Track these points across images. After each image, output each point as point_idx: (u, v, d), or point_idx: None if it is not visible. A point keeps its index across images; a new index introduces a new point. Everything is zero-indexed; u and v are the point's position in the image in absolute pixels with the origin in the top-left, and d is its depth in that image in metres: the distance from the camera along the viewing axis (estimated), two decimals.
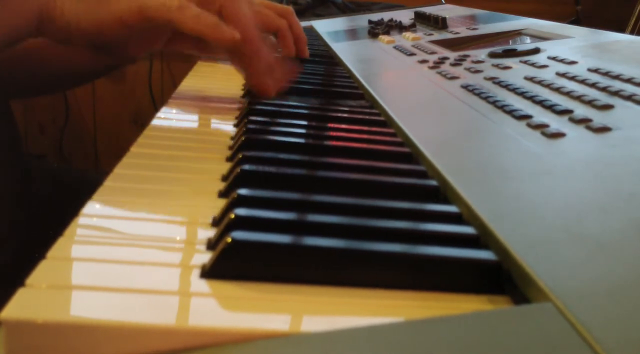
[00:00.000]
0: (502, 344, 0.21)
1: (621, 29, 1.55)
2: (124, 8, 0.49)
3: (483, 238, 0.28)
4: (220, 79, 0.72)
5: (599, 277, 0.23)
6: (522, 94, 0.47)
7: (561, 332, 0.21)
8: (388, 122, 0.49)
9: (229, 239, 0.25)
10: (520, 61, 0.59)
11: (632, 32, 1.58)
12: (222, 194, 0.34)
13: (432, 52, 0.72)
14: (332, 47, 0.88)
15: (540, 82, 0.50)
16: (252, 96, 0.55)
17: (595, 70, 0.50)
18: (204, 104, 0.58)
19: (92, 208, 0.31)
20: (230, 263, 0.25)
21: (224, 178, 0.37)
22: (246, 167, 0.35)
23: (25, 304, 0.22)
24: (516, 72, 0.55)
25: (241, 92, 0.63)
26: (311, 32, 1.11)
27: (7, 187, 0.62)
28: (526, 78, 0.52)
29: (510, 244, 0.26)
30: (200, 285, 0.25)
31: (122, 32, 0.49)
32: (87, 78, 0.82)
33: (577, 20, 1.68)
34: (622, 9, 1.69)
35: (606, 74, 0.49)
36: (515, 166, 0.35)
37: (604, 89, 0.45)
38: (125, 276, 0.25)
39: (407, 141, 0.43)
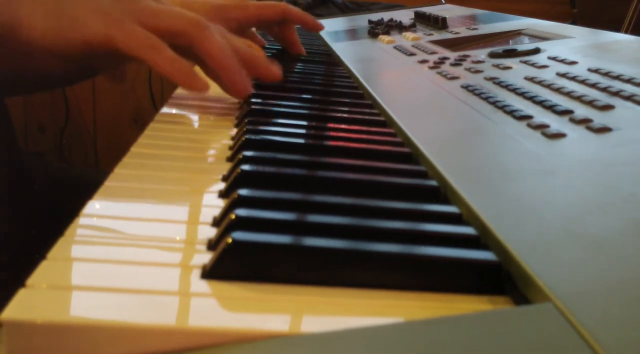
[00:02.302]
0: (502, 344, 0.21)
1: (617, 29, 1.55)
2: (92, 32, 0.46)
3: (483, 238, 0.28)
4: None
5: (600, 277, 0.23)
6: (523, 95, 0.47)
7: (561, 332, 0.21)
8: (388, 122, 0.49)
9: (230, 240, 0.25)
10: (521, 61, 0.59)
11: (626, 32, 1.58)
12: (223, 195, 0.34)
13: (432, 52, 0.72)
14: (332, 47, 0.88)
15: (540, 83, 0.50)
16: (252, 96, 0.55)
17: (596, 71, 0.50)
18: (204, 104, 0.58)
19: (92, 208, 0.31)
20: (231, 264, 0.25)
21: (224, 178, 0.37)
22: (246, 167, 0.35)
23: (26, 304, 0.22)
24: (516, 72, 0.55)
25: None
26: (311, 32, 1.11)
27: (5, 185, 0.62)
28: (526, 78, 0.52)
29: (510, 245, 0.26)
30: (201, 285, 0.25)
31: (89, 53, 0.47)
32: (62, 83, 0.80)
33: (574, 23, 1.68)
34: (617, 9, 1.69)
35: (606, 74, 0.49)
36: (516, 166, 0.35)
37: (604, 90, 0.45)
38: (125, 277, 0.25)
39: (407, 141, 0.43)
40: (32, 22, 0.46)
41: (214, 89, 0.54)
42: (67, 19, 0.46)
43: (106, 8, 0.46)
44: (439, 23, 0.91)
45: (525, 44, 0.69)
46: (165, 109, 0.53)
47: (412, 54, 0.73)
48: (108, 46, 0.46)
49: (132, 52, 0.46)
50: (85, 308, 0.22)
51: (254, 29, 0.81)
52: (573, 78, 0.49)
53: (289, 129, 0.45)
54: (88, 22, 0.46)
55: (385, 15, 1.10)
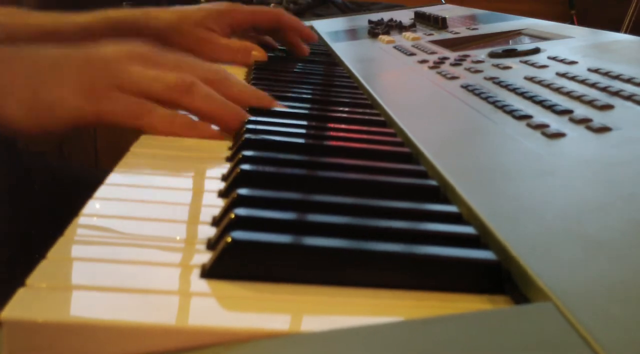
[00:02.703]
0: (502, 344, 0.21)
1: (616, 29, 1.55)
2: (74, 112, 0.43)
3: (483, 238, 0.28)
4: None
5: (599, 277, 0.23)
6: (522, 94, 0.47)
7: (561, 332, 0.21)
8: (388, 122, 0.49)
9: (229, 239, 0.25)
10: (520, 61, 0.59)
11: (626, 32, 1.58)
12: (222, 194, 0.34)
13: (432, 52, 0.72)
14: (332, 47, 0.88)
15: (540, 82, 0.50)
16: None
17: (596, 71, 0.50)
18: None
19: (92, 208, 0.31)
20: (230, 263, 0.25)
21: (224, 178, 0.37)
22: (246, 167, 0.35)
23: (26, 304, 0.22)
24: (516, 72, 0.55)
25: None
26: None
27: (5, 185, 0.62)
28: (526, 78, 0.52)
29: (510, 244, 0.26)
30: (200, 285, 0.25)
31: (77, 128, 0.44)
32: None
33: (572, 24, 1.69)
34: (617, 10, 1.69)
35: (606, 74, 0.49)
36: (515, 166, 0.35)
37: (604, 89, 0.45)
38: (125, 276, 0.25)
39: (407, 141, 0.43)
40: (5, 112, 0.43)
41: None
42: (44, 104, 0.44)
43: (84, 84, 0.44)
44: (439, 23, 0.91)
45: (525, 44, 0.69)
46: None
47: (412, 54, 0.73)
48: (95, 121, 0.44)
49: (124, 123, 0.44)
50: (85, 308, 0.22)
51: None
52: (573, 78, 0.49)
53: (288, 128, 0.45)
54: (67, 103, 0.43)
55: (385, 15, 1.10)
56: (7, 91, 0.44)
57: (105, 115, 0.43)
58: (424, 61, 0.67)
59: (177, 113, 0.45)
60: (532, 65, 0.56)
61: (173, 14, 0.71)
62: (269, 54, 0.75)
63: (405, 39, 0.86)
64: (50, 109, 0.43)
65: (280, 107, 0.51)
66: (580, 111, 0.41)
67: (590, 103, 0.42)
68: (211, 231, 0.29)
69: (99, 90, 0.44)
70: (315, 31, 1.09)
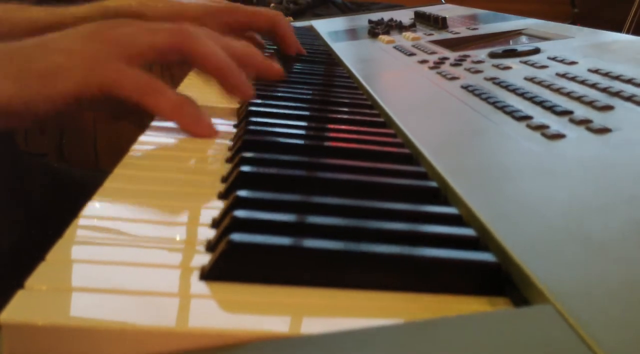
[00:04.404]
0: (501, 345, 0.21)
1: (618, 30, 1.55)
2: (79, 83, 0.40)
3: (483, 240, 0.28)
4: None
5: (599, 279, 0.23)
6: (522, 95, 0.47)
7: (561, 334, 0.21)
8: (388, 122, 0.49)
9: (228, 241, 0.25)
10: (520, 61, 0.59)
11: (628, 32, 1.58)
12: (222, 196, 0.34)
13: (432, 52, 0.72)
14: (332, 47, 0.88)
15: (540, 83, 0.50)
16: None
17: (596, 71, 0.50)
18: (204, 105, 0.58)
19: (92, 209, 0.31)
20: (230, 265, 0.25)
21: (224, 179, 0.37)
22: (246, 168, 0.35)
23: (25, 306, 0.22)
24: (516, 72, 0.55)
25: None
26: (311, 32, 1.11)
27: (5, 186, 0.62)
28: (526, 78, 0.52)
29: (510, 246, 0.26)
30: (200, 287, 0.25)
31: (70, 107, 0.41)
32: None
33: (573, 23, 1.68)
34: (618, 10, 1.69)
35: (606, 74, 0.49)
36: (516, 167, 0.35)
37: (604, 90, 0.45)
38: (125, 278, 0.25)
39: (407, 142, 0.43)
40: None
41: (214, 90, 0.54)
42: (41, 75, 0.40)
43: (86, 52, 0.41)
44: (439, 23, 0.91)
45: (525, 44, 0.69)
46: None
47: (412, 54, 0.73)
48: (100, 94, 0.41)
49: (130, 97, 0.41)
50: (84, 310, 0.22)
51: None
52: (573, 78, 0.49)
53: (288, 130, 0.45)
54: (66, 72, 0.40)
55: (385, 15, 1.10)
56: None
57: (111, 86, 0.41)
58: (424, 61, 0.67)
59: (187, 101, 0.44)
60: (532, 65, 0.56)
61: (172, 7, 0.70)
62: (267, 54, 0.75)
63: (405, 39, 0.86)
64: (45, 78, 0.40)
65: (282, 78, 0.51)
66: (581, 111, 0.41)
67: (591, 104, 0.42)
68: (211, 233, 0.29)
69: (104, 58, 0.41)
70: (315, 31, 1.09)
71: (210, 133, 0.45)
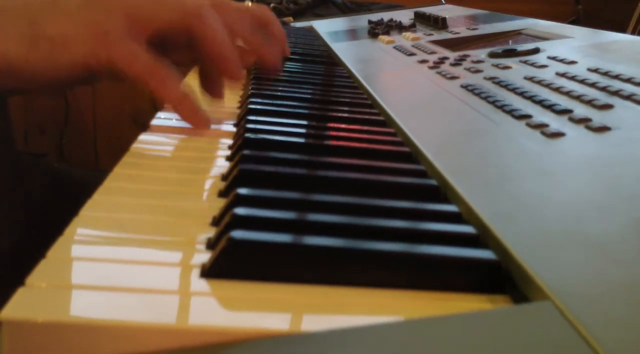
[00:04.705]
0: (501, 343, 0.21)
1: (621, 30, 1.55)
2: (87, 55, 0.40)
3: (483, 237, 0.28)
4: None
5: (599, 276, 0.23)
6: (522, 94, 0.47)
7: (561, 331, 0.21)
8: (388, 122, 0.49)
9: (229, 239, 0.25)
10: (520, 61, 0.59)
11: (632, 33, 1.58)
12: (222, 194, 0.34)
13: (432, 52, 0.72)
14: (332, 47, 0.88)
15: (540, 82, 0.50)
16: (252, 96, 0.55)
17: (595, 70, 0.50)
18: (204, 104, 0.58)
19: (92, 208, 0.31)
20: (230, 262, 0.25)
21: (224, 177, 0.37)
22: (246, 166, 0.35)
23: (25, 303, 0.22)
24: (516, 72, 0.55)
25: (241, 92, 0.63)
26: (311, 32, 1.11)
27: (5, 186, 0.62)
28: (526, 78, 0.52)
29: (510, 244, 0.26)
30: (200, 284, 0.25)
31: (79, 77, 0.42)
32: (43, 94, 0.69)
33: (578, 19, 1.68)
34: (622, 10, 1.69)
35: (606, 73, 0.49)
36: (515, 165, 0.35)
37: (603, 89, 0.45)
38: (125, 276, 0.25)
39: (407, 141, 0.43)
40: (4, 50, 0.39)
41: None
42: (47, 39, 0.40)
43: (94, 21, 0.41)
44: (439, 23, 0.91)
45: (525, 44, 0.69)
46: (165, 110, 0.53)
47: (412, 54, 0.73)
48: (105, 69, 0.41)
49: (134, 77, 0.41)
50: (85, 307, 0.22)
51: None
52: (572, 78, 0.49)
53: (288, 128, 0.45)
54: (74, 43, 0.40)
55: (385, 16, 1.10)
56: (7, 24, 0.40)
57: (119, 64, 0.41)
58: (424, 61, 0.67)
59: (189, 95, 0.44)
60: (532, 65, 0.56)
61: None
62: None
63: (405, 39, 0.86)
64: (54, 44, 0.40)
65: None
66: (580, 110, 0.41)
67: (590, 103, 0.42)
68: (211, 231, 0.29)
69: (116, 33, 0.41)
70: (315, 31, 1.09)
71: (205, 124, 0.46)
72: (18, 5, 0.41)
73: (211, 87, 0.51)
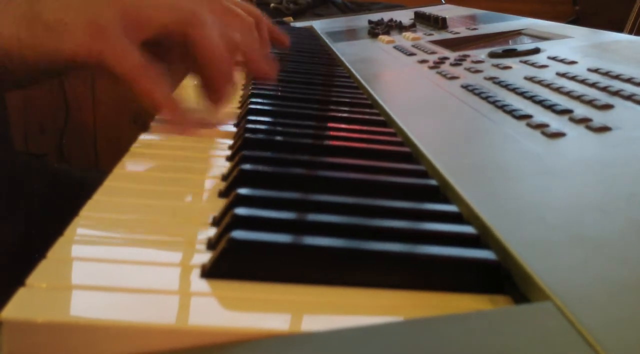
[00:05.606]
0: (502, 343, 0.21)
1: (620, 29, 1.55)
2: (80, 46, 0.40)
3: (483, 238, 0.28)
4: None
5: (599, 277, 0.23)
6: (522, 94, 0.47)
7: (561, 331, 0.21)
8: (388, 122, 0.49)
9: (229, 239, 0.25)
10: (520, 61, 0.59)
11: (630, 32, 1.58)
12: (222, 194, 0.34)
13: (432, 52, 0.72)
14: (332, 47, 0.88)
15: (540, 82, 0.50)
16: (252, 96, 0.55)
17: (595, 70, 0.50)
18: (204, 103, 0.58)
19: (92, 208, 0.31)
20: (230, 263, 0.25)
21: (224, 178, 0.37)
22: (246, 166, 0.35)
23: (25, 304, 0.22)
24: (516, 72, 0.55)
25: (241, 92, 0.63)
26: (311, 32, 1.11)
27: (4, 185, 0.62)
28: (526, 78, 0.52)
29: (510, 244, 0.26)
30: (201, 285, 0.25)
31: (65, 66, 0.42)
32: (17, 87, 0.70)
33: (576, 20, 1.68)
34: (620, 9, 1.69)
35: (606, 73, 0.49)
36: (515, 165, 0.35)
37: (603, 89, 0.45)
38: (125, 276, 0.25)
39: (407, 141, 0.43)
40: (2, 31, 0.40)
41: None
42: (44, 27, 0.40)
43: (93, 14, 0.41)
44: (439, 23, 0.91)
45: (525, 44, 0.69)
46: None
47: (412, 54, 0.73)
48: (95, 63, 0.41)
49: (123, 76, 0.41)
50: (85, 308, 0.22)
51: None
52: (573, 78, 0.49)
53: (288, 128, 0.45)
54: (70, 33, 0.40)
55: (385, 15, 1.10)
56: (7, 5, 0.40)
57: (109, 60, 0.41)
58: (424, 61, 0.67)
59: (174, 101, 0.44)
60: (532, 65, 0.56)
61: None
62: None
63: (405, 39, 0.86)
64: (49, 29, 0.40)
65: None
66: (580, 110, 0.41)
67: (590, 103, 0.42)
68: (211, 231, 0.29)
69: (111, 29, 0.41)
70: (315, 31, 1.09)
71: (192, 131, 0.45)
72: None
73: (210, 93, 0.51)
